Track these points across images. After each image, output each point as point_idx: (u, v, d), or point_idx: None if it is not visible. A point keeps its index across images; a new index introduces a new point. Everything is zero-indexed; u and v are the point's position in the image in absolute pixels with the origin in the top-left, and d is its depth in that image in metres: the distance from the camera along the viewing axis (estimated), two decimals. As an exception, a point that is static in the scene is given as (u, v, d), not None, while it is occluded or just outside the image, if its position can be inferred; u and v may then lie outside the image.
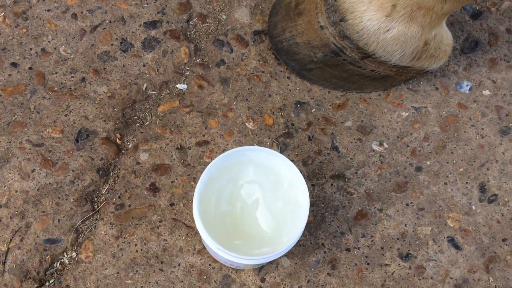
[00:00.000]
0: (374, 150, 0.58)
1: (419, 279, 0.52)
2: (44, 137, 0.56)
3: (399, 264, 0.53)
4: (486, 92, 0.61)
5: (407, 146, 0.58)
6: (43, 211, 0.53)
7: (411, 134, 0.59)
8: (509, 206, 0.56)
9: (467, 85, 0.61)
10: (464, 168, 0.57)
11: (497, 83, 0.61)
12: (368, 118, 0.59)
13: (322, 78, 0.60)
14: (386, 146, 0.58)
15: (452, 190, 0.56)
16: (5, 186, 0.53)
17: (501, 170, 0.57)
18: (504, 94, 0.61)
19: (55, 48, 0.59)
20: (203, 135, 0.58)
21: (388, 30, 0.51)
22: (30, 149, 0.55)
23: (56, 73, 0.59)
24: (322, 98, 0.60)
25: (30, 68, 0.58)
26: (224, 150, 0.57)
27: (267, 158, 0.47)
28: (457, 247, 0.54)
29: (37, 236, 0.52)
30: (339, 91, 0.61)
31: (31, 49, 0.59)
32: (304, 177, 0.46)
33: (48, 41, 0.60)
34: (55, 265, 0.51)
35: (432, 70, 0.58)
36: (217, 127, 0.58)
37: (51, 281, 0.50)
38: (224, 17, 0.63)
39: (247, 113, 0.59)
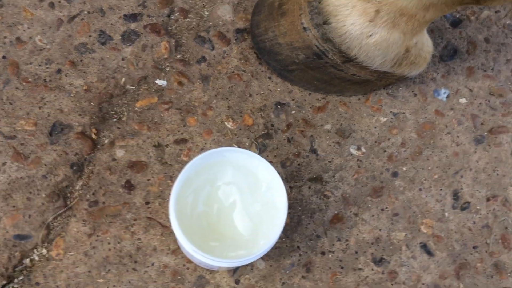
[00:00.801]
0: (352, 154, 0.58)
1: (392, 284, 0.53)
2: (16, 130, 0.54)
3: (372, 269, 0.53)
4: (463, 100, 0.62)
5: (384, 151, 0.59)
6: (13, 206, 0.51)
7: (389, 139, 0.59)
8: (480, 214, 0.57)
9: (444, 93, 0.62)
10: (439, 175, 0.58)
11: (473, 92, 0.62)
12: (347, 122, 0.60)
13: (303, 79, 0.60)
14: (364, 150, 0.58)
15: (426, 196, 0.57)
16: (-27, 179, 0.52)
17: (474, 178, 0.58)
18: (480, 103, 0.62)
19: (30, 38, 0.58)
20: (182, 133, 0.57)
21: (370, 35, 0.52)
22: (2, 141, 0.53)
23: (31, 63, 0.57)
24: (303, 100, 0.60)
25: (3, 57, 0.56)
26: (202, 149, 0.57)
27: (246, 159, 0.46)
28: (429, 253, 0.55)
29: (7, 232, 0.50)
30: (319, 94, 0.61)
31: (5, 37, 0.57)
32: (282, 179, 0.46)
33: (24, 30, 0.58)
34: (24, 261, 0.49)
35: (412, 76, 0.59)
36: (196, 125, 0.58)
37: (20, 278, 0.49)
38: (207, 13, 0.63)
39: (226, 112, 0.59)
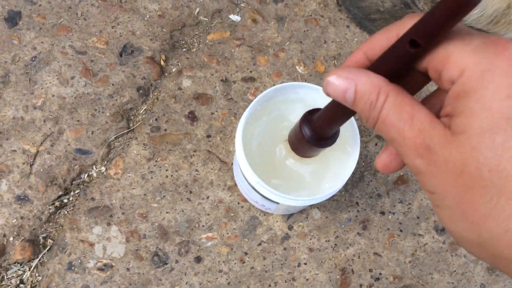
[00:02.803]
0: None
1: (452, 255, 0.50)
2: (88, 46, 0.54)
3: (433, 237, 0.50)
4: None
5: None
6: (78, 120, 0.51)
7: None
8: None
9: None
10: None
11: None
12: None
13: (384, 31, 0.56)
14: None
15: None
16: (42, 89, 0.52)
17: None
18: None
19: (111, -45, 0.56)
20: (250, 71, 0.55)
21: None
22: (72, 55, 0.53)
23: (108, -19, 0.56)
24: (380, 53, 0.57)
25: (83, -29, 0.56)
26: (270, 90, 0.54)
27: (318, 98, 0.44)
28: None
29: (69, 144, 0.50)
30: (399, 49, 0.57)
31: (86, -48, 0.56)
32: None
33: None
34: (82, 176, 0.49)
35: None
36: (266, 65, 0.55)
37: (76, 192, 0.49)
38: (291, -49, 0.59)
39: (299, 56, 0.56)
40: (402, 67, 0.22)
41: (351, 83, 0.22)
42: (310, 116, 0.34)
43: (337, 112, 0.28)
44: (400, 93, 0.21)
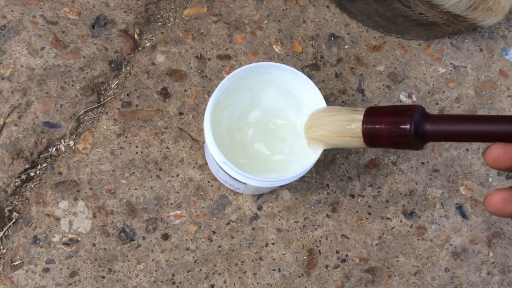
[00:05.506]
0: (401, 101, 0.54)
1: (418, 239, 0.50)
2: (59, 16, 0.52)
3: (401, 221, 0.51)
4: (532, 65, 0.57)
5: (437, 103, 0.55)
6: (47, 93, 0.50)
7: (443, 92, 0.55)
8: (527, 185, 0.53)
9: (513, 53, 0.57)
10: (490, 138, 0.54)
11: (545, 58, 0.57)
12: (402, 67, 0.56)
13: (364, 13, 0.55)
14: (414, 99, 0.55)
15: (472, 158, 0.53)
16: (11, 59, 0.50)
17: (528, 148, 0.54)
18: (551, 71, 0.57)
19: None
20: (226, 49, 0.54)
21: None
22: (43, 25, 0.52)
23: (82, -51, 0.54)
24: (359, 35, 0.56)
25: None
26: (245, 69, 0.54)
27: (291, 80, 0.43)
28: (464, 215, 0.52)
29: (36, 117, 0.49)
30: (378, 32, 0.56)
31: None
32: (326, 110, 0.43)
33: None
34: (50, 150, 0.49)
35: (484, 25, 0.54)
36: (242, 43, 0.54)
37: (43, 165, 0.48)
38: None
39: (276, 35, 0.55)
40: None
41: None
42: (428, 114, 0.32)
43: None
44: None
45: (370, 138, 0.34)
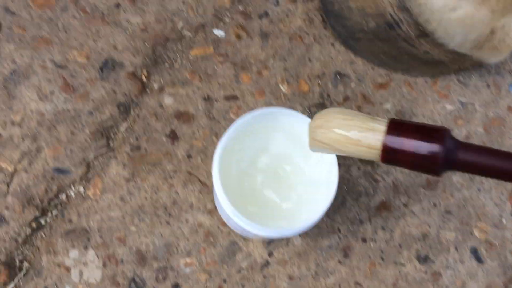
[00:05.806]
0: (409, 139, 0.54)
1: (433, 286, 0.50)
2: (68, 60, 0.53)
3: (415, 266, 0.50)
4: (540, 100, 0.57)
5: (445, 141, 0.55)
6: (57, 138, 0.50)
7: (452, 130, 0.55)
8: (537, 224, 0.53)
9: (520, 88, 0.57)
10: (499, 176, 0.54)
11: (553, 92, 0.57)
12: (409, 104, 0.56)
13: (369, 51, 0.56)
14: (422, 137, 0.55)
15: (485, 198, 0.53)
16: (21, 104, 0.51)
17: (538, 186, 0.54)
18: (559, 106, 0.56)
19: (93, -34, 0.55)
20: (233, 89, 0.54)
21: (454, 9, 0.47)
22: (52, 69, 0.52)
23: (90, -7, 0.54)
24: (365, 73, 0.56)
25: (63, -17, 0.54)
26: (252, 109, 0.54)
27: (300, 126, 0.43)
28: (479, 259, 0.51)
29: (47, 163, 0.49)
30: (383, 69, 0.57)
31: (67, -38, 0.55)
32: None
33: (87, -43, 0.55)
34: (60, 196, 0.49)
35: (490, 63, 0.54)
36: (249, 83, 0.55)
37: (53, 212, 0.48)
38: (278, -35, 0.58)
39: (282, 74, 0.55)
40: None
41: None
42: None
43: None
44: None
45: (390, 154, 0.31)
